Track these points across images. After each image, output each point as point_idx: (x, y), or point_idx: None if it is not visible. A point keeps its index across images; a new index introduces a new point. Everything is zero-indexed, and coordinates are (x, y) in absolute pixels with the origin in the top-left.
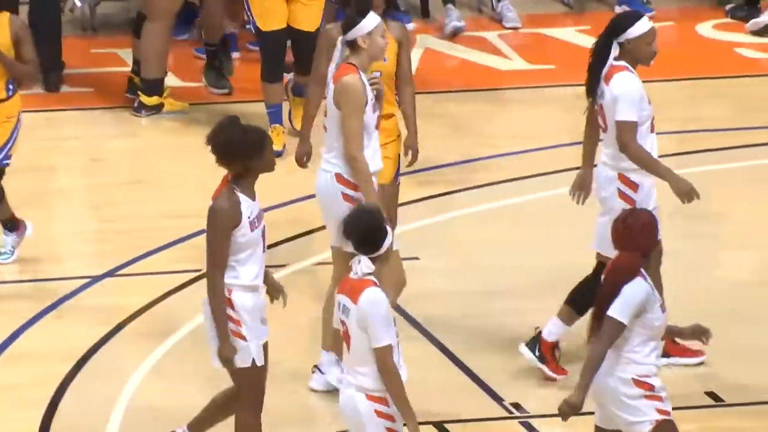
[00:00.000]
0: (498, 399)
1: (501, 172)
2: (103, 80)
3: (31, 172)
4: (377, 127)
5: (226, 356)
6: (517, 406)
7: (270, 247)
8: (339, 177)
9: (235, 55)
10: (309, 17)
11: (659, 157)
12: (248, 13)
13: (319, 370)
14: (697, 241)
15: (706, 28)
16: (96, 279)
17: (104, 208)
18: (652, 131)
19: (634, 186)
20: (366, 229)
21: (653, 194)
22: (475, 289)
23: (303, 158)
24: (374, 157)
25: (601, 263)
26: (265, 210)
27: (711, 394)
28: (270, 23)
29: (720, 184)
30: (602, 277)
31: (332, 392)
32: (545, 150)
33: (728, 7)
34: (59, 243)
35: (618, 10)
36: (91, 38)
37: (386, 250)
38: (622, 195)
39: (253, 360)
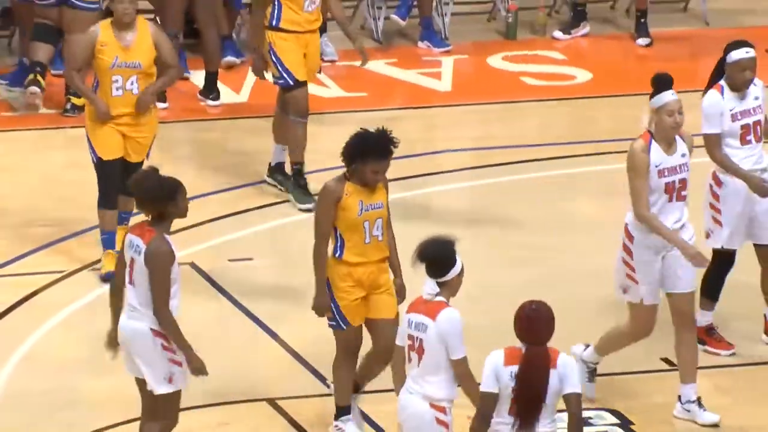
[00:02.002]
0: (322, 378)
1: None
2: None
3: None
4: (666, 191)
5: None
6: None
7: None
8: (626, 228)
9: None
10: (138, 150)
11: None
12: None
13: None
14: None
15: (496, 60)
16: None
17: None
18: (741, 142)
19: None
20: (436, 256)
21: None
22: (301, 283)
23: None
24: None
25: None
26: None
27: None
28: (107, 153)
29: (508, 193)
30: (522, 373)
31: None
32: None
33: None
34: None
35: (421, 45)
36: None
37: (454, 279)
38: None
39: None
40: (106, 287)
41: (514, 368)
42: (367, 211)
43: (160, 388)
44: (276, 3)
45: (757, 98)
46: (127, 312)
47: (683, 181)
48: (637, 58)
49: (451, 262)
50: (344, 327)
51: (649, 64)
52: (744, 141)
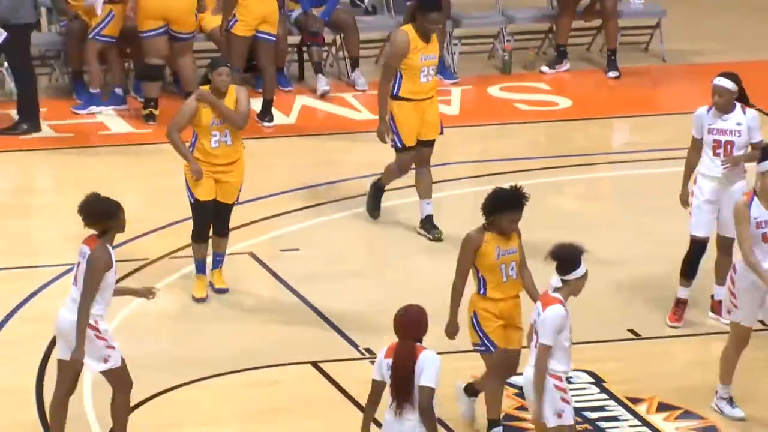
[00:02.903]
0: (355, 345)
1: (355, 189)
2: (79, 128)
3: (31, 191)
4: (764, 240)
5: (78, 358)
6: (368, 350)
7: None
8: (733, 263)
9: None
10: (230, 193)
11: None
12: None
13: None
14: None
15: (494, 90)
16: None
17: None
18: (712, 153)
19: None
20: (562, 257)
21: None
22: (337, 268)
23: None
24: None
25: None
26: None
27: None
28: (202, 195)
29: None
30: (392, 363)
31: None
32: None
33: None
34: (54, 241)
35: (440, 80)
36: (68, 99)
37: (575, 281)
38: None
39: (122, 360)
40: (183, 270)
41: (390, 360)
42: (503, 255)
43: (99, 368)
44: (398, 74)
45: (739, 124)
46: (67, 305)
47: None
48: (608, 88)
49: (574, 264)
50: (492, 350)
51: (618, 93)
52: (714, 153)
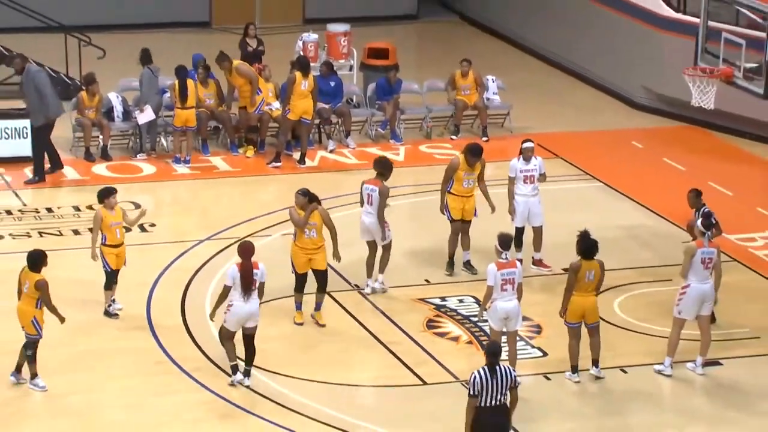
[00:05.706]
0: (347, 281)
1: (350, 199)
2: (202, 168)
3: (180, 202)
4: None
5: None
6: (356, 285)
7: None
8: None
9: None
10: (320, 262)
11: None
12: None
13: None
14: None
15: (423, 147)
16: (201, 240)
17: (205, 212)
18: (523, 183)
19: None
20: (509, 240)
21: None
22: (339, 242)
23: None
24: None
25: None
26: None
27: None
28: (301, 269)
29: (426, 207)
30: (243, 273)
31: None
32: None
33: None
34: (193, 228)
35: (391, 141)
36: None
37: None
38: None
39: None
40: (259, 243)
41: (240, 272)
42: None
43: (383, 242)
44: (451, 179)
45: (535, 165)
46: (366, 215)
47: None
48: (483, 147)
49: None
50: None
51: (487, 149)
52: (524, 182)
